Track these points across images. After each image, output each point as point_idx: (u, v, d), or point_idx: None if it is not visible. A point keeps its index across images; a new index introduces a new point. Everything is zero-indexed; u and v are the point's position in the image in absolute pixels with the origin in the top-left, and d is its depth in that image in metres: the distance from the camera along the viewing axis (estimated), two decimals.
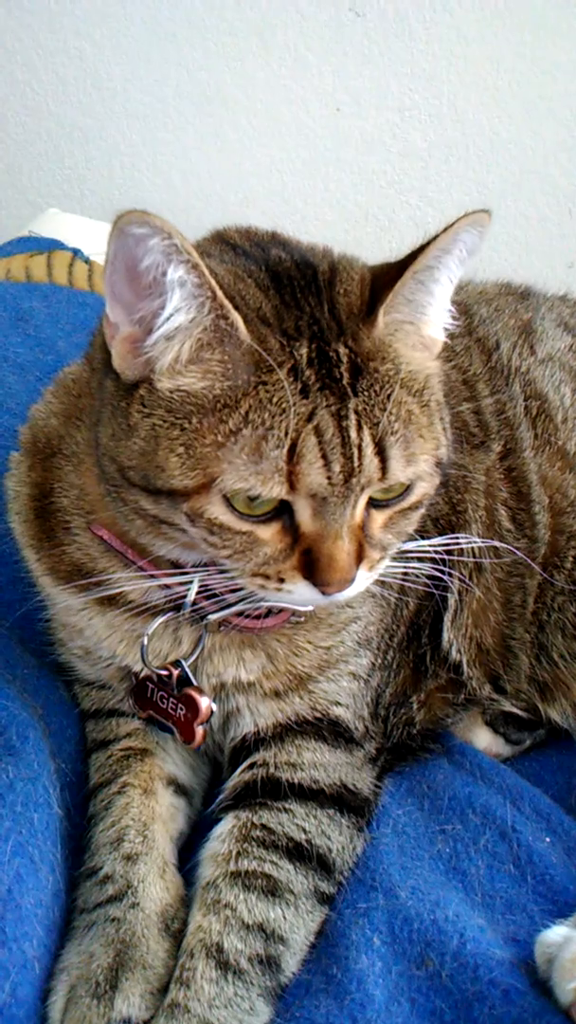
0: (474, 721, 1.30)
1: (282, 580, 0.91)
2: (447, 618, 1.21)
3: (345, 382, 0.89)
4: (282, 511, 0.89)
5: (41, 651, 1.22)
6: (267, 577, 0.91)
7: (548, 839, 1.10)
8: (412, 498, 0.96)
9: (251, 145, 2.70)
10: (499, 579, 1.24)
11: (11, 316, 1.88)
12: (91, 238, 2.23)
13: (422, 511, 1.00)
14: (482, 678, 1.25)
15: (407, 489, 0.95)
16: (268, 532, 0.90)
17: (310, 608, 1.06)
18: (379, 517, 0.94)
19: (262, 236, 1.05)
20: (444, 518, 1.21)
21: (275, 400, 0.86)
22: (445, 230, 0.91)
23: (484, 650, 1.24)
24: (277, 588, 0.91)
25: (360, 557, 0.92)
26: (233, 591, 0.96)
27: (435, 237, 0.91)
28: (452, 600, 1.21)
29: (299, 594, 0.92)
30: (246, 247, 1.01)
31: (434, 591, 1.17)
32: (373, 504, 0.93)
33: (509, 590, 1.25)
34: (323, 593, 0.91)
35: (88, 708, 1.18)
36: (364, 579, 0.94)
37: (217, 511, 0.89)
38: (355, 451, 0.87)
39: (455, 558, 1.18)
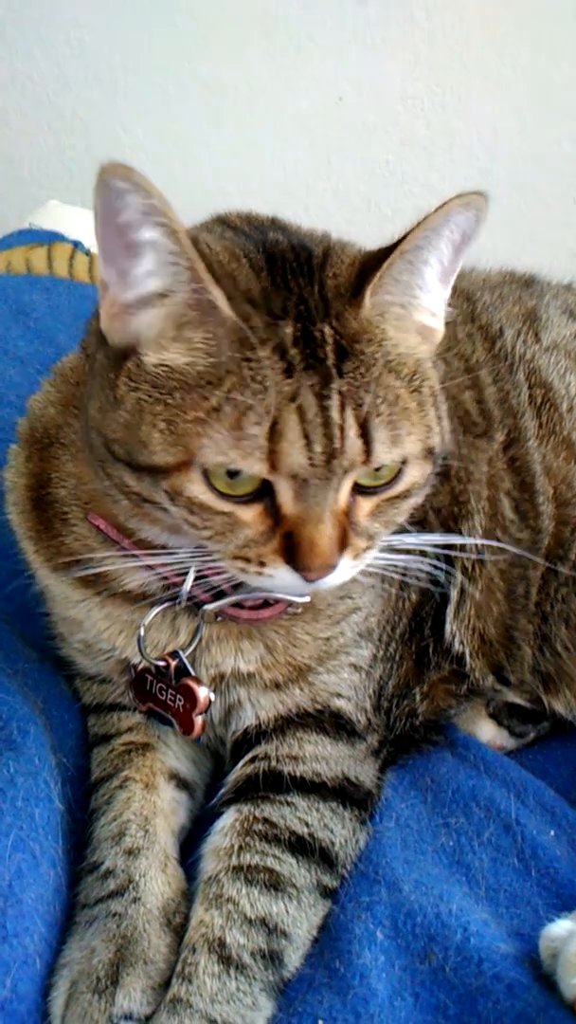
0: (478, 714, 1.29)
1: (263, 564, 0.90)
2: (449, 610, 1.21)
3: (330, 363, 0.88)
4: (264, 493, 0.89)
5: (42, 646, 1.22)
6: (248, 560, 0.90)
7: (552, 832, 1.10)
8: (401, 486, 0.94)
9: (253, 135, 2.69)
10: (502, 570, 1.23)
11: (11, 309, 1.88)
12: (92, 230, 2.21)
13: (413, 501, 0.98)
14: (485, 669, 1.24)
15: (396, 476, 0.93)
16: (249, 514, 0.89)
17: (305, 599, 1.05)
18: (366, 504, 0.93)
19: (262, 220, 1.05)
20: (446, 508, 1.20)
21: (258, 378, 0.86)
22: (436, 210, 0.91)
23: (487, 641, 1.24)
24: (258, 572, 0.90)
25: (344, 544, 0.90)
26: (218, 574, 0.95)
27: (425, 217, 0.91)
28: (454, 592, 1.20)
29: (280, 579, 0.90)
30: (245, 229, 1.00)
31: (436, 583, 1.16)
32: (360, 491, 0.92)
33: (512, 581, 1.24)
34: (304, 579, 0.90)
35: (89, 703, 1.18)
36: (348, 567, 0.92)
37: (196, 489, 0.88)
38: (337, 432, 0.86)
39: (456, 553, 1.17)
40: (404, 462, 0.93)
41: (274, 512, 0.89)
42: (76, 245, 2.19)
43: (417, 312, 0.97)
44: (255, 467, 0.86)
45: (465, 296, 1.38)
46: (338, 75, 2.60)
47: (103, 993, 0.88)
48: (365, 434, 0.88)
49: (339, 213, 2.64)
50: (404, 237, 0.91)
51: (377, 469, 0.91)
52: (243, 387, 0.85)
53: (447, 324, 1.33)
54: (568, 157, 2.58)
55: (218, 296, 0.87)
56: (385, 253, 0.93)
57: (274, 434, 0.85)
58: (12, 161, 2.85)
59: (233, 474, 0.87)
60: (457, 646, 1.22)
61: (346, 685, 1.11)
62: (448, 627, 1.21)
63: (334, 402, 0.86)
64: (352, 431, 0.87)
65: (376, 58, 2.57)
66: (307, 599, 1.05)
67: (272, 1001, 0.90)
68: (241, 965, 0.90)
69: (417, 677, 1.21)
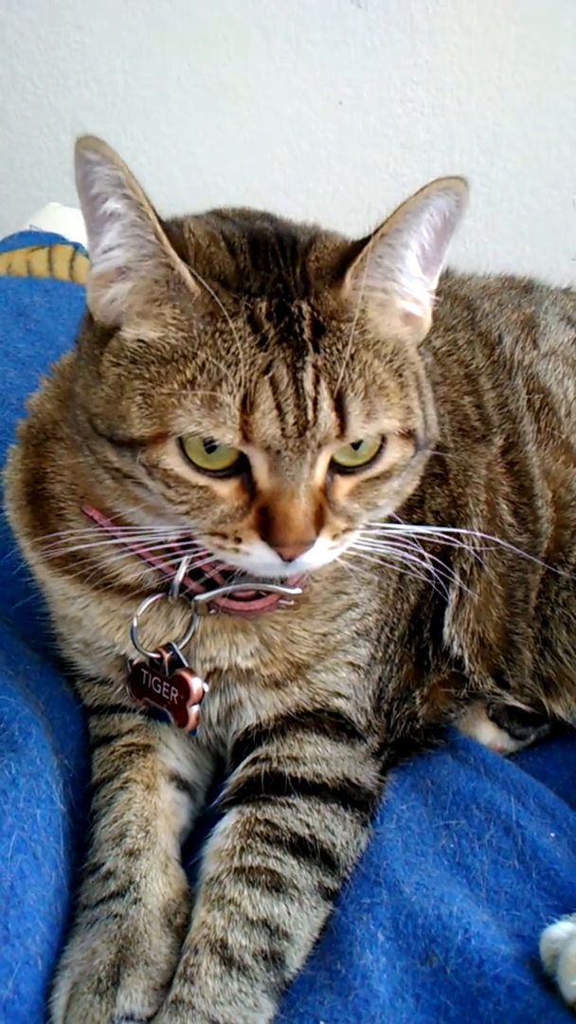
0: (478, 716, 1.29)
1: (239, 540, 0.91)
2: (448, 613, 1.21)
3: (306, 337, 0.89)
4: (240, 469, 0.90)
5: (43, 647, 1.22)
6: (224, 536, 0.91)
7: (553, 834, 1.10)
8: (380, 467, 0.95)
9: (252, 138, 2.69)
10: (501, 574, 1.23)
11: (12, 311, 1.88)
12: None
13: (395, 484, 0.98)
14: (484, 673, 1.24)
15: (376, 456, 0.94)
16: (226, 489, 0.90)
17: (296, 590, 1.05)
18: (345, 484, 0.94)
19: (254, 212, 1.08)
20: (444, 512, 1.20)
21: (231, 350, 0.87)
22: (415, 194, 0.92)
23: (486, 645, 1.24)
24: (235, 549, 0.91)
25: (321, 522, 0.91)
26: (203, 558, 0.96)
27: (404, 201, 0.92)
28: (453, 595, 1.21)
29: (256, 556, 0.91)
30: (235, 219, 1.03)
31: (434, 584, 1.16)
32: (339, 470, 0.93)
33: (511, 585, 1.24)
34: (281, 556, 0.90)
35: (91, 704, 1.18)
36: (326, 547, 0.92)
37: (172, 462, 0.89)
38: (310, 403, 0.87)
39: (457, 546, 1.17)
40: (383, 442, 0.94)
41: (250, 487, 0.90)
42: (77, 247, 2.19)
43: (400, 298, 0.98)
44: (227, 436, 0.87)
45: (465, 304, 1.39)
46: (338, 78, 2.60)
47: (104, 994, 0.88)
48: (340, 408, 0.89)
49: (338, 216, 2.62)
50: (385, 221, 0.93)
51: (355, 447, 0.92)
52: (216, 359, 0.87)
53: (448, 330, 1.34)
54: (567, 160, 2.58)
55: (183, 270, 0.88)
56: (367, 238, 0.94)
57: (247, 405, 0.86)
58: (12, 163, 2.85)
59: (209, 447, 0.88)
60: (456, 649, 1.22)
61: (345, 684, 1.12)
62: (447, 630, 1.21)
63: (308, 374, 0.88)
64: (326, 403, 0.88)
65: (376, 61, 2.57)
66: (298, 591, 1.05)
67: (273, 1002, 0.90)
68: (243, 966, 0.90)
69: (417, 680, 1.21)
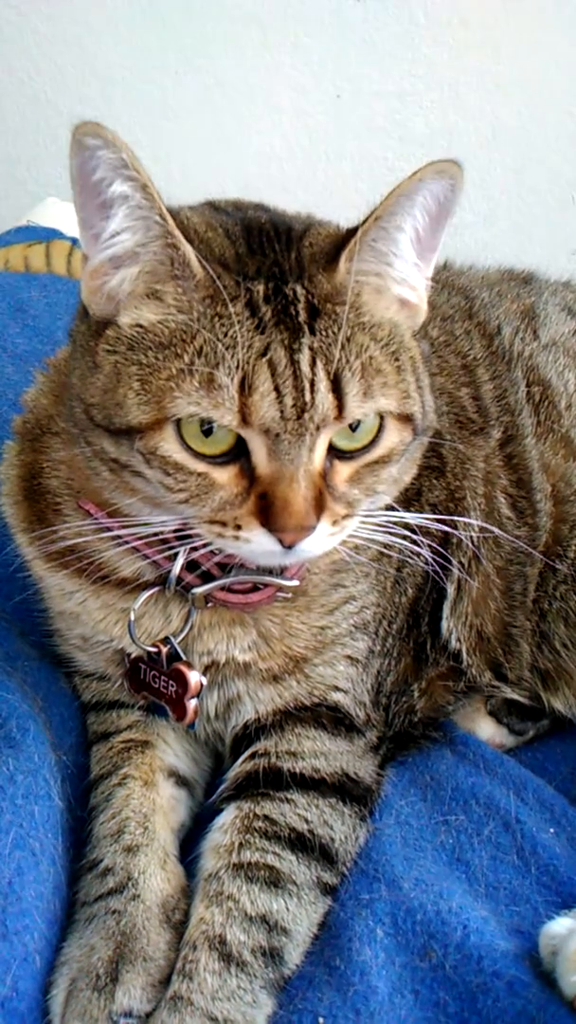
0: (477, 711, 1.29)
1: (239, 527, 0.90)
2: (446, 606, 1.21)
3: (302, 319, 0.89)
4: (239, 454, 0.90)
5: (41, 643, 1.22)
6: (224, 524, 0.91)
7: (552, 830, 1.10)
8: (379, 451, 0.95)
9: (250, 133, 2.68)
10: (499, 567, 1.23)
11: (9, 306, 1.87)
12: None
13: (393, 470, 0.98)
14: (483, 666, 1.24)
15: (373, 441, 0.94)
16: (224, 475, 0.90)
17: (294, 582, 1.05)
18: (344, 469, 0.94)
19: (247, 203, 1.08)
20: (442, 504, 1.20)
21: (229, 334, 0.87)
22: (408, 177, 0.92)
23: (484, 638, 1.24)
24: (235, 536, 0.91)
25: (321, 507, 0.90)
26: (199, 549, 0.95)
27: (398, 185, 0.92)
28: (451, 588, 1.20)
29: (257, 543, 0.90)
30: (229, 209, 1.03)
31: (432, 574, 1.16)
32: (338, 455, 0.93)
33: (509, 578, 1.24)
34: (281, 543, 0.90)
35: (89, 700, 1.18)
36: (326, 534, 0.92)
37: (170, 448, 0.89)
38: (307, 385, 0.88)
39: (455, 539, 1.17)
40: (381, 426, 0.94)
41: (249, 473, 0.90)
42: (74, 242, 2.18)
43: (394, 283, 0.97)
44: (226, 418, 0.87)
45: (463, 293, 1.38)
46: (336, 73, 2.60)
47: (103, 991, 0.88)
48: (337, 388, 0.89)
49: (336, 209, 2.61)
50: (379, 204, 0.93)
51: (353, 430, 0.92)
52: (214, 342, 0.87)
53: (445, 320, 1.33)
54: (567, 156, 2.58)
55: (188, 251, 0.88)
56: (361, 224, 0.94)
57: (245, 387, 0.86)
58: (10, 159, 2.85)
59: (207, 432, 0.88)
60: (454, 643, 1.22)
61: (343, 678, 1.11)
62: (445, 623, 1.21)
63: (304, 356, 0.88)
64: (323, 385, 0.88)
65: (374, 56, 2.56)
66: (296, 583, 1.05)
67: (272, 998, 0.90)
68: (242, 962, 0.90)
69: (415, 673, 1.21)
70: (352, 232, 0.94)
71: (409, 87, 2.58)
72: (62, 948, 0.92)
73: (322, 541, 0.92)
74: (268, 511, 0.89)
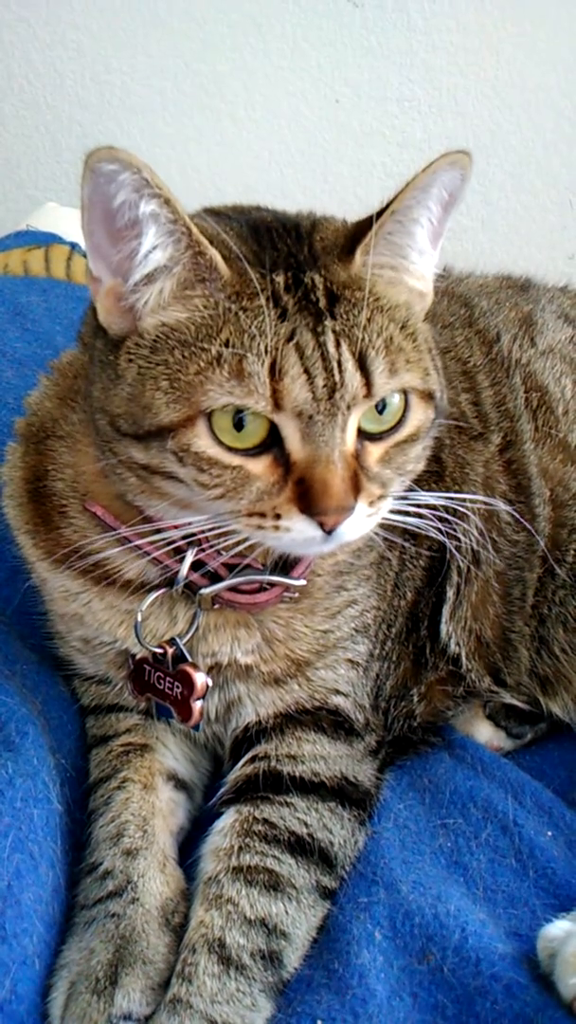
0: (475, 715, 1.29)
1: (279, 516, 0.90)
2: (445, 610, 1.21)
3: (322, 305, 0.91)
4: (271, 444, 0.90)
5: (40, 647, 1.22)
6: (263, 515, 0.91)
7: (550, 833, 1.10)
8: (406, 430, 0.96)
9: (249, 138, 2.69)
10: (498, 572, 1.23)
11: (9, 311, 1.87)
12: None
13: (420, 448, 1.00)
14: (482, 671, 1.24)
15: (400, 421, 0.95)
16: (259, 466, 0.90)
17: (301, 582, 1.05)
18: (375, 450, 0.95)
19: (246, 206, 1.09)
20: (441, 508, 1.20)
21: (255, 324, 0.88)
22: (423, 170, 0.93)
23: (483, 643, 1.24)
24: (275, 526, 0.91)
25: (357, 488, 0.91)
26: (223, 540, 0.95)
27: (414, 177, 0.93)
28: (450, 592, 1.21)
29: (298, 531, 0.90)
30: (230, 214, 1.04)
31: (432, 581, 1.16)
32: (367, 437, 0.94)
33: (508, 583, 1.24)
34: (322, 527, 0.90)
35: (88, 704, 1.18)
36: (365, 515, 0.93)
37: (204, 443, 0.89)
38: (335, 365, 0.89)
39: (454, 543, 1.17)
40: (406, 407, 0.95)
41: (284, 461, 0.90)
42: (73, 247, 2.19)
43: (408, 275, 0.99)
44: (260, 404, 0.87)
45: (463, 301, 1.39)
46: (335, 78, 2.60)
47: (102, 994, 0.88)
48: (363, 367, 0.90)
49: (336, 215, 2.64)
50: (395, 198, 0.93)
51: (380, 412, 0.93)
52: (241, 333, 0.88)
53: (445, 328, 1.34)
54: (565, 160, 2.58)
55: (215, 255, 0.90)
56: (376, 215, 0.95)
57: (275, 372, 0.87)
58: (9, 163, 2.85)
59: (238, 425, 0.89)
60: (453, 647, 1.22)
61: (344, 681, 1.12)
62: (444, 628, 1.22)
63: (330, 338, 0.89)
64: (350, 364, 0.89)
65: (372, 60, 2.57)
66: (303, 582, 1.06)
67: (271, 1001, 0.90)
68: (241, 966, 0.90)
69: (415, 678, 1.21)
70: (365, 224, 0.96)
71: (407, 92, 2.59)
72: (61, 951, 0.93)
73: (360, 523, 0.93)
74: (307, 495, 0.89)
